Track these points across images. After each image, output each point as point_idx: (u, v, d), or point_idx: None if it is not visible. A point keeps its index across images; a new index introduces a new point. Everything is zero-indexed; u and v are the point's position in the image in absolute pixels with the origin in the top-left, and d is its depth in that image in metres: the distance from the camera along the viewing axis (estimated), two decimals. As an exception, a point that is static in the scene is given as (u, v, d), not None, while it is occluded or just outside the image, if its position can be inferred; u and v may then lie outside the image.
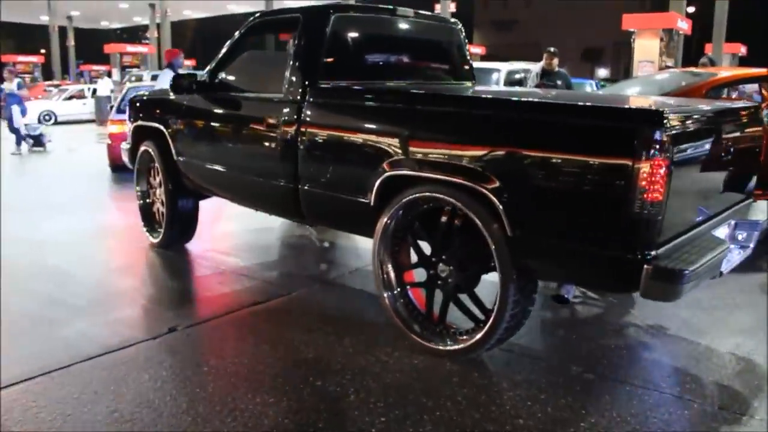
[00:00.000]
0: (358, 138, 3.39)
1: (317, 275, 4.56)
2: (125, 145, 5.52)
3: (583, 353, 3.31)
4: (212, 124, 4.35)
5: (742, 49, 21.74)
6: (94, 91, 18.60)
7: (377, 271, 3.40)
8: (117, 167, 8.77)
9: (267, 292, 4.09)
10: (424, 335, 3.23)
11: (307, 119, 3.63)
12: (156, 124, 4.84)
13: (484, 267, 3.14)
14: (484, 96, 3.32)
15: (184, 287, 4.36)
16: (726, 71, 5.83)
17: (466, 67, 4.77)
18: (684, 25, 13.60)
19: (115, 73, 21.90)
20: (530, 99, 3.16)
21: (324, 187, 3.58)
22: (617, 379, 3.01)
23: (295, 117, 3.68)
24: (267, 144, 3.91)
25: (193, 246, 5.07)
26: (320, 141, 3.59)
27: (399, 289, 3.38)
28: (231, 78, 4.32)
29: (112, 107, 10.30)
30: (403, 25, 4.31)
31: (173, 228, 4.88)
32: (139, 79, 18.07)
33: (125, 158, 5.54)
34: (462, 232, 3.07)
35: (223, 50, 4.36)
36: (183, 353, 3.18)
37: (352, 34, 4.00)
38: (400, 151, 3.14)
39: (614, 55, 55.82)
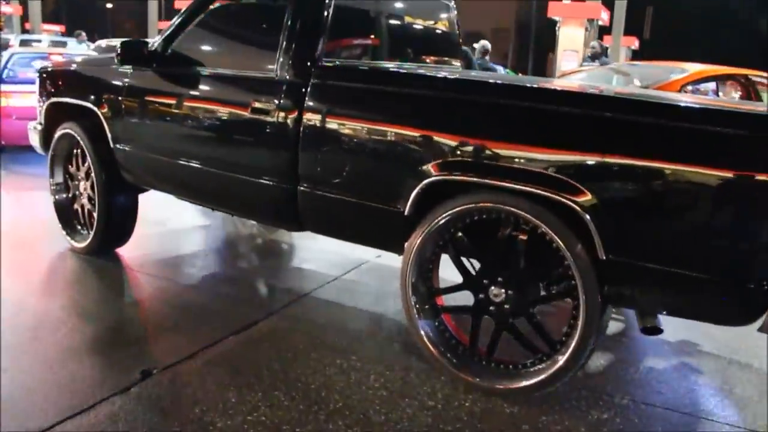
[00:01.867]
0: (390, 132, 2.76)
1: (293, 287, 3.86)
2: (34, 126, 4.46)
3: (640, 382, 2.93)
4: (170, 106, 3.48)
5: (636, 43, 22.95)
6: (-54, 54, 15.93)
7: (408, 294, 2.81)
8: (-3, 148, 7.40)
9: (244, 313, 3.35)
10: (473, 371, 2.70)
11: (312, 105, 2.94)
12: (85, 103, 3.88)
13: (553, 292, 2.68)
14: (580, 91, 2.79)
15: (136, 309, 3.47)
16: (696, 66, 5.79)
17: (457, 48, 4.28)
18: (605, 16, 13.95)
19: (-27, 36, 18.98)
20: (642, 98, 2.68)
21: (334, 190, 2.92)
22: (707, 418, 2.66)
23: (295, 102, 2.97)
24: (253, 135, 3.16)
25: (127, 251, 4.17)
26: (331, 133, 2.91)
27: (435, 317, 2.83)
28: (194, 49, 3.48)
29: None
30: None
31: (107, 229, 3.95)
32: (4, 45, 15.71)
33: (34, 141, 4.48)
34: (527, 250, 2.58)
35: (183, 14, 3.52)
36: (174, 409, 2.42)
37: (356, 3, 3.35)
38: (454, 150, 2.56)
39: (493, 41, 57.81)
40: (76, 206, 4.24)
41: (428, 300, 2.84)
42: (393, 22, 3.81)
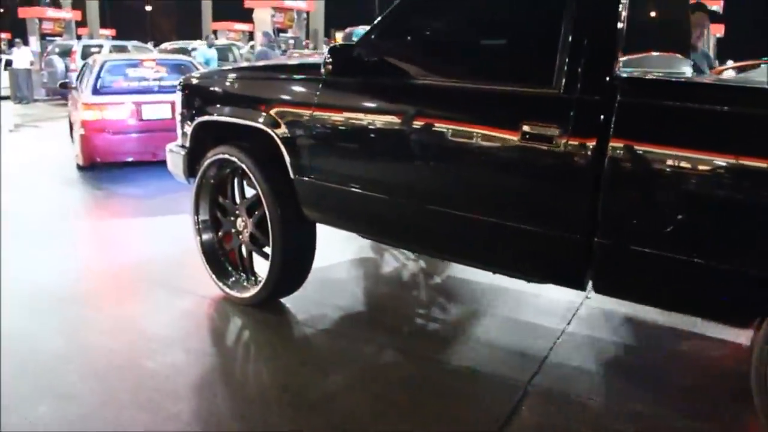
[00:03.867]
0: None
1: (520, 347, 3.02)
2: (175, 149, 3.77)
3: None
4: (387, 129, 2.69)
5: (722, 30, 21.48)
6: (8, 62, 15.61)
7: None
8: (89, 165, 6.77)
9: (488, 389, 2.62)
10: None
11: (624, 132, 2.15)
12: (253, 123, 3.16)
13: None
14: None
15: (359, 394, 2.62)
16: None
17: (689, 41, 3.50)
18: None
19: (33, 42, 18.60)
20: None
21: (660, 247, 2.12)
22: None
23: (593, 127, 2.20)
24: (521, 168, 2.39)
25: (288, 299, 3.44)
26: (658, 171, 2.12)
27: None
28: (416, 53, 2.70)
29: (64, 84, 8.13)
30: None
31: (283, 276, 3.22)
32: (67, 51, 15.33)
33: (175, 167, 3.77)
34: None
35: (397, 7, 2.73)
36: None
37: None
38: None
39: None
40: (229, 247, 3.55)
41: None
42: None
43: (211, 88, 3.53)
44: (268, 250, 3.32)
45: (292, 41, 17.10)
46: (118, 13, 40.70)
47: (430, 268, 4.16)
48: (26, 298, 3.48)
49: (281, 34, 17.58)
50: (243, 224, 3.41)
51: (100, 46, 14.68)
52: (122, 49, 14.71)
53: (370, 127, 2.75)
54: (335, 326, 3.26)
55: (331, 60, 2.69)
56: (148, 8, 51.03)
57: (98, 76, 6.50)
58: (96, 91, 6.44)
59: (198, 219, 3.62)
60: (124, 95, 6.55)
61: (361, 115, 2.78)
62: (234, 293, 3.44)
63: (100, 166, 6.79)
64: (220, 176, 3.51)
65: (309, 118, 2.92)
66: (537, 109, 2.33)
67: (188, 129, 3.58)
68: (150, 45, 18.61)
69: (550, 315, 3.42)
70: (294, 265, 3.23)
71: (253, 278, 3.44)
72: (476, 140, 2.48)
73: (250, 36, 22.68)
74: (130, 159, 6.64)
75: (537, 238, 2.38)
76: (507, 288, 3.71)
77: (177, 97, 3.70)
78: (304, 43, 18.10)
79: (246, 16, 20.43)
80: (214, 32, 23.17)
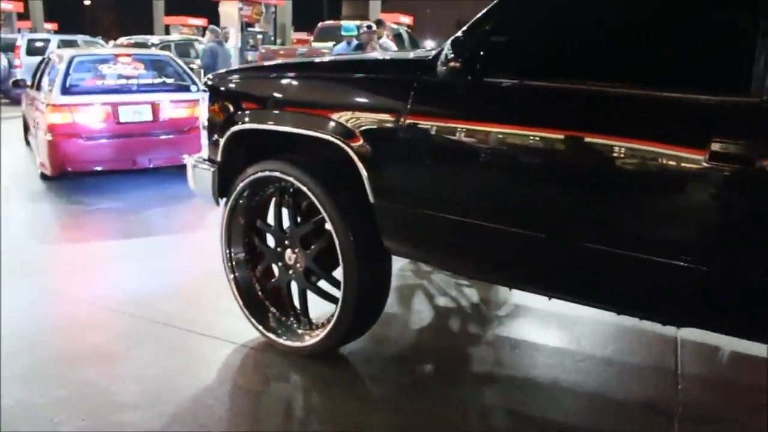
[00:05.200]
0: None
1: (631, 398, 2.54)
2: (198, 163, 3.07)
3: None
4: (530, 146, 2.08)
5: None
6: (-59, 57, 14.13)
7: None
8: (57, 175, 5.90)
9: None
10: None
11: None
12: (321, 133, 2.51)
13: None
14: None
15: None
16: None
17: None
18: None
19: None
20: None
21: None
22: None
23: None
24: (713, 197, 1.85)
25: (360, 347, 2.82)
26: None
27: None
28: (567, 52, 2.07)
29: (17, 82, 7.21)
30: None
31: (358, 318, 2.59)
32: (9, 45, 14.01)
33: (200, 186, 3.04)
34: None
35: None
36: None
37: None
38: None
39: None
40: (272, 284, 2.91)
41: None
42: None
43: (252, 90, 2.88)
44: (324, 285, 2.74)
45: (260, 36, 16.23)
46: (56, 6, 38.41)
47: (484, 294, 3.61)
48: (10, 358, 2.73)
49: (249, 29, 16.68)
50: (294, 257, 2.78)
51: (47, 41, 13.50)
52: (71, 44, 13.57)
53: (501, 142, 2.12)
54: (417, 380, 2.67)
55: (453, 56, 2.08)
56: (87, 2, 48.62)
57: (67, 74, 5.65)
58: (65, 91, 5.60)
59: (231, 251, 2.97)
60: (97, 95, 5.74)
61: (484, 128, 2.15)
62: (284, 341, 2.80)
63: (70, 176, 5.95)
64: (261, 198, 2.87)
65: (398, 129, 2.31)
66: (730, 123, 1.80)
67: (219, 139, 2.91)
68: (99, 39, 17.39)
69: (646, 350, 2.93)
70: (370, 306, 2.63)
71: (307, 322, 2.82)
72: (647, 161, 1.92)
73: (204, 31, 21.59)
74: (101, 168, 5.84)
75: (719, 281, 1.86)
76: (579, 316, 3.20)
77: (203, 100, 3.02)
78: (272, 38, 17.27)
79: (200, 10, 19.36)
80: (167, 27, 21.98)
